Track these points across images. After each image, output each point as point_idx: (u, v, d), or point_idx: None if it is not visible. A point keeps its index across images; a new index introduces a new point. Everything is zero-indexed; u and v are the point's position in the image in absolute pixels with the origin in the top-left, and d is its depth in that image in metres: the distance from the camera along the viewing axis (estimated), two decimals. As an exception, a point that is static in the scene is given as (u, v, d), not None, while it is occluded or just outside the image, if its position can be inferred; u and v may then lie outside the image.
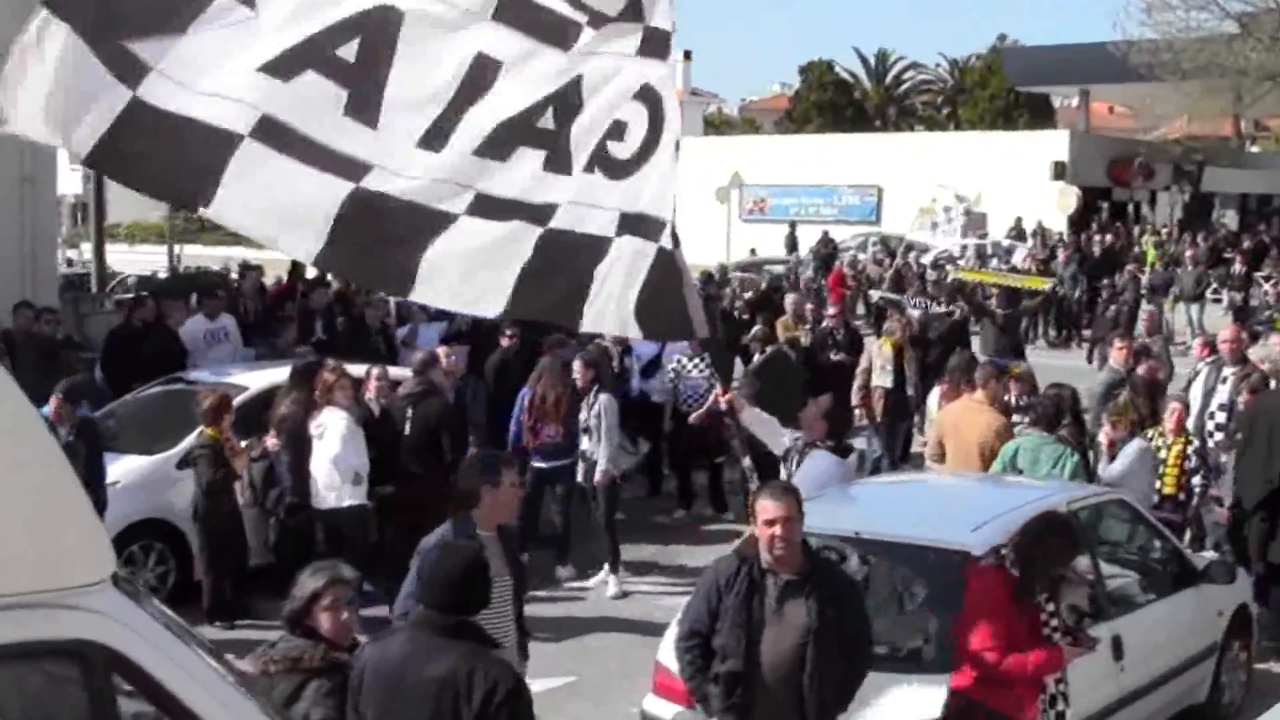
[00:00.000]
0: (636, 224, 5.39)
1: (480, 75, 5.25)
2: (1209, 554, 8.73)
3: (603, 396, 10.58)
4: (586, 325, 5.58)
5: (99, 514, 4.66)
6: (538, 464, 10.73)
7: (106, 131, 4.77)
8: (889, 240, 34.47)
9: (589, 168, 5.39)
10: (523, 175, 5.29)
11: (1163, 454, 9.49)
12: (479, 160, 5.23)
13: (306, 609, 4.68)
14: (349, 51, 5.07)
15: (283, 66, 4.96)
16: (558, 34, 5.37)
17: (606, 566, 10.64)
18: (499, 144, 5.26)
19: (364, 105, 5.06)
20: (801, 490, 7.37)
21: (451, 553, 4.67)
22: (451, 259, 5.17)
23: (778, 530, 5.24)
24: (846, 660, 5.32)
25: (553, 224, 5.28)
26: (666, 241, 5.40)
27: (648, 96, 5.46)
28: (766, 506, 5.30)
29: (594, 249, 5.35)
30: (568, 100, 5.37)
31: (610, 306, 5.40)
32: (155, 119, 4.79)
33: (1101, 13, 71.68)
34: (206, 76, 4.87)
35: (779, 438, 8.15)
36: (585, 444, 10.61)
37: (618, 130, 5.43)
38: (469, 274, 5.22)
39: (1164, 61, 32.38)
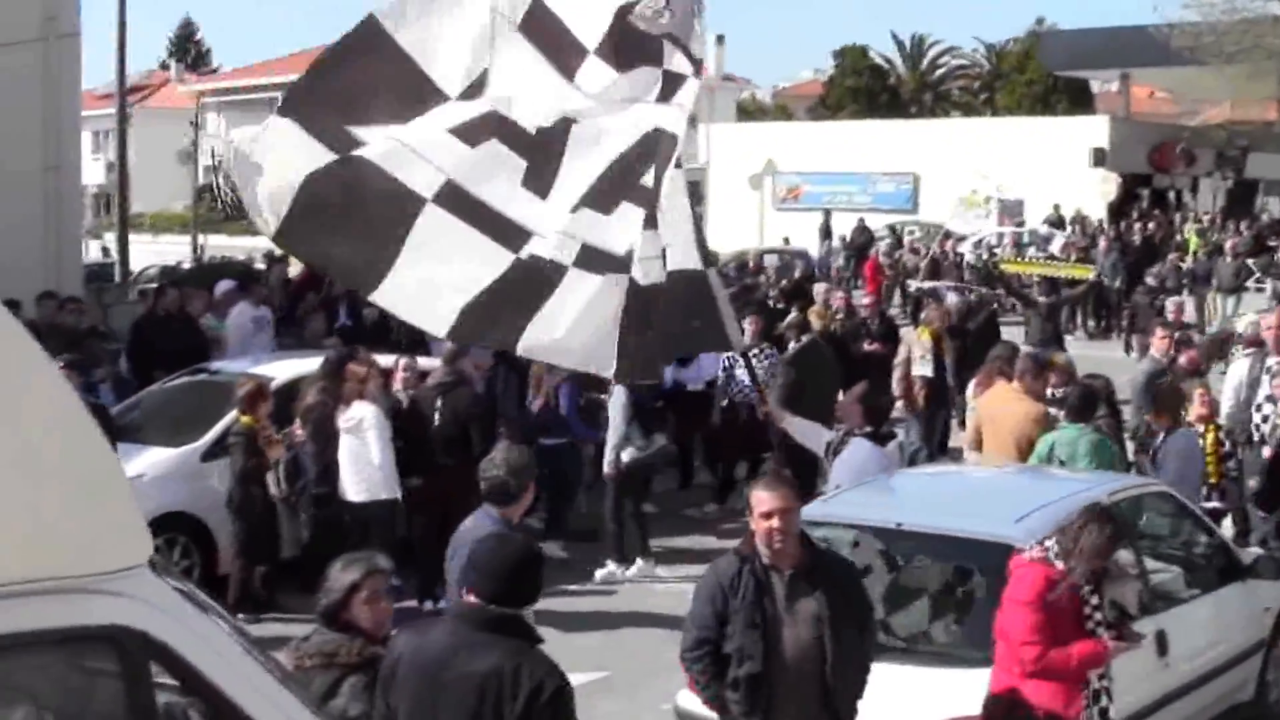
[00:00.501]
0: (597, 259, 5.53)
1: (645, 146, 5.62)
2: (1256, 549, 8.52)
3: (617, 388, 10.51)
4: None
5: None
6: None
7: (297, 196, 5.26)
8: (897, 228, 34.15)
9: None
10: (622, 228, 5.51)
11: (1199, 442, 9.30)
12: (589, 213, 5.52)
13: (344, 601, 4.58)
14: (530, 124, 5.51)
15: (470, 132, 5.41)
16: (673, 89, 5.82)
17: (609, 561, 10.61)
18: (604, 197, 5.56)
19: (540, 176, 5.47)
20: (841, 479, 7.25)
21: (507, 542, 4.55)
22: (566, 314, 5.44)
23: (775, 523, 5.08)
24: (861, 645, 5.24)
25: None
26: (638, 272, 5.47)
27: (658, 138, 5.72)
28: (762, 498, 5.13)
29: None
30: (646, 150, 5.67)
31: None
32: (346, 173, 5.27)
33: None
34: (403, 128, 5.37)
35: (821, 439, 8.09)
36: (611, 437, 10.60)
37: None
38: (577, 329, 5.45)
39: (1206, 44, 31.93)
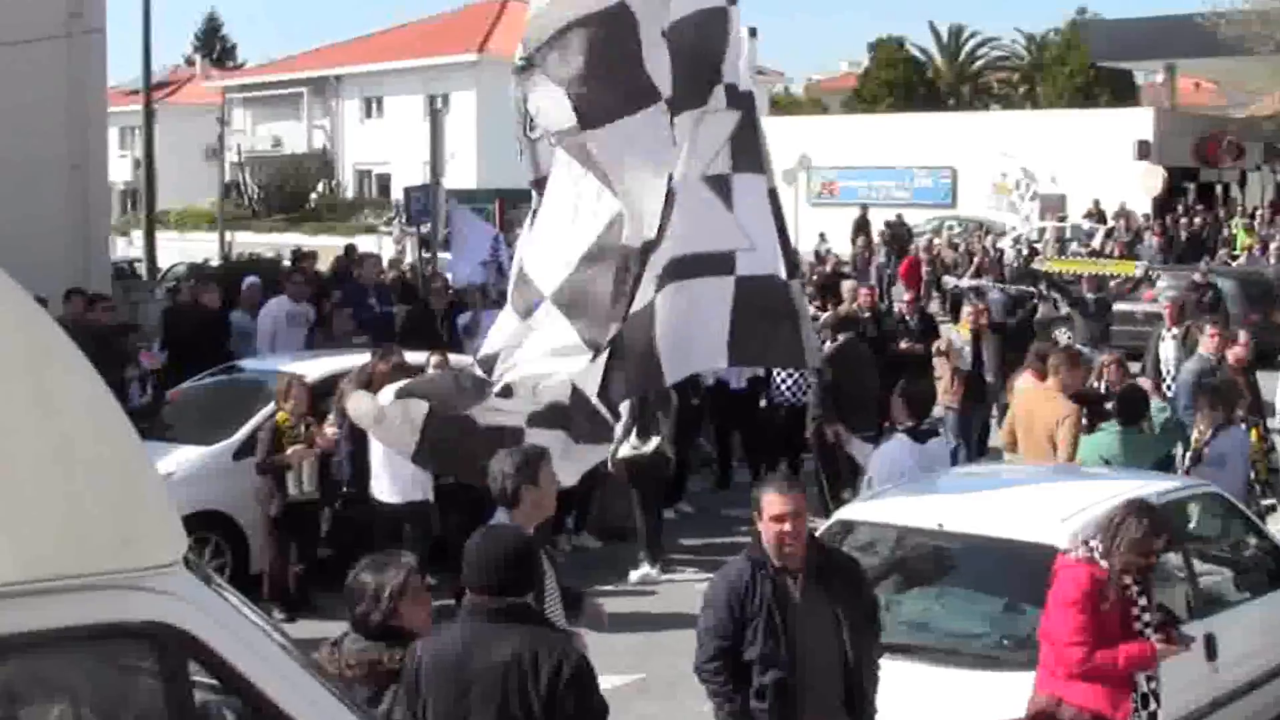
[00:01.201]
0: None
1: None
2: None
3: None
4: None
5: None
6: None
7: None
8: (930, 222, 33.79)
9: None
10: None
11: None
12: None
13: (395, 610, 4.49)
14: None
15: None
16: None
17: (643, 563, 10.57)
18: None
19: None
20: (874, 475, 7.12)
21: (495, 536, 4.60)
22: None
23: (787, 526, 4.99)
24: (874, 642, 5.20)
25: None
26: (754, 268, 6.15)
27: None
28: (773, 501, 5.03)
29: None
30: None
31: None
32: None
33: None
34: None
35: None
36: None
37: None
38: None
39: (1256, 34, 31.42)
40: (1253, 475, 9.15)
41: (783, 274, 6.26)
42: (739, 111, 6.45)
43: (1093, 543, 5.51)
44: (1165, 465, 8.89)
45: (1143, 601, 5.47)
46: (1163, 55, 41.91)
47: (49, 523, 2.85)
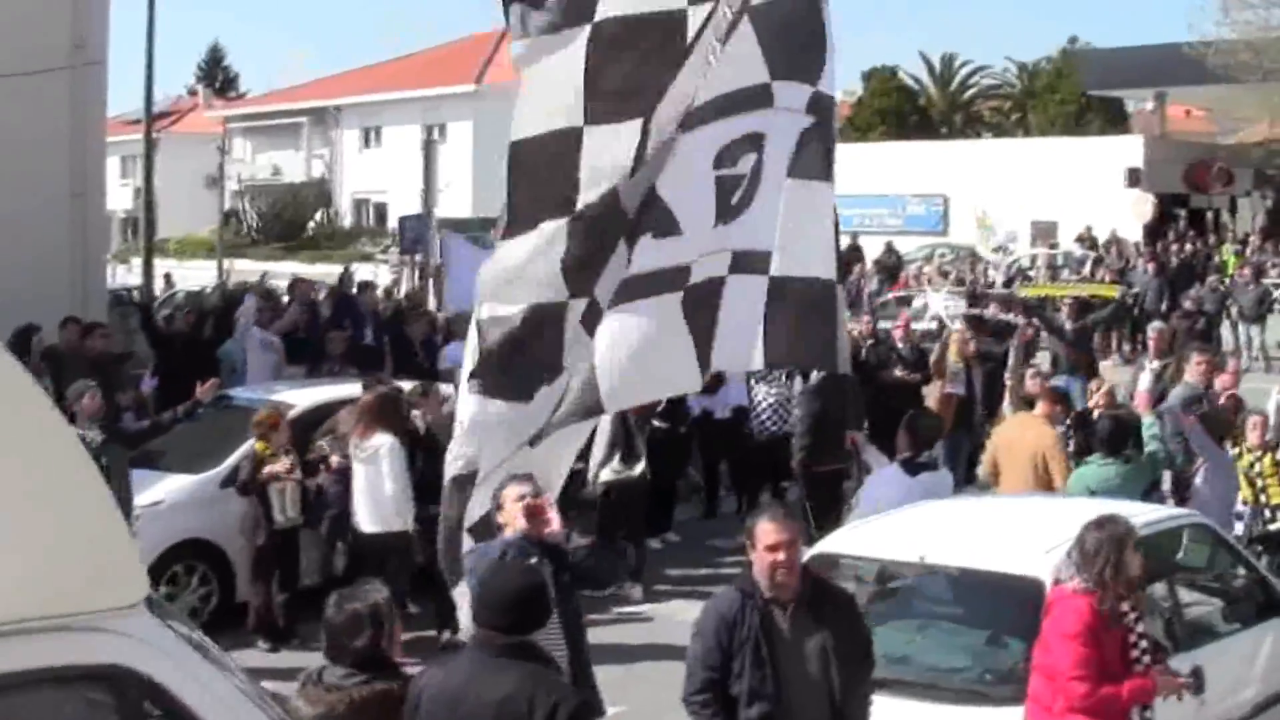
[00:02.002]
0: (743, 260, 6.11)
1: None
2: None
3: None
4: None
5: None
6: None
7: None
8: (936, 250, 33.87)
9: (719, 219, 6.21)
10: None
11: (1256, 467, 9.23)
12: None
13: (376, 640, 4.47)
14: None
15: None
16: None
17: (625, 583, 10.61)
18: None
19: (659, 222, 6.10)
20: (862, 507, 7.11)
21: (506, 572, 4.68)
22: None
23: (781, 556, 4.97)
24: (865, 676, 5.13)
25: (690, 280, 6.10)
26: (776, 270, 6.06)
27: (755, 142, 6.19)
28: (768, 530, 5.00)
29: (713, 291, 6.10)
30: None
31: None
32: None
33: (1176, 12, 70.60)
34: None
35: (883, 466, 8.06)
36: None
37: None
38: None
39: (1243, 62, 31.58)
40: (1262, 500, 9.12)
41: (829, 275, 6.22)
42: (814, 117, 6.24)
43: (1084, 573, 5.42)
44: (1157, 495, 8.88)
45: (1139, 629, 5.42)
46: (1152, 84, 42.10)
47: (9, 565, 2.83)
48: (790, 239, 6.09)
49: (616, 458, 10.71)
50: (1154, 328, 14.26)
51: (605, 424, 10.44)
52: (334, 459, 9.53)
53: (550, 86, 6.17)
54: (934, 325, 14.39)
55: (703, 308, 6.05)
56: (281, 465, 9.33)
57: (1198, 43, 33.09)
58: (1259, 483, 9.15)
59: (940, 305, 19.46)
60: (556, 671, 4.65)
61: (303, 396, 10.75)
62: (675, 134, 6.06)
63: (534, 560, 5.61)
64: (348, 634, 4.46)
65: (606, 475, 10.65)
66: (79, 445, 3.03)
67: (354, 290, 16.82)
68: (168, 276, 30.47)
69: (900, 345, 14.32)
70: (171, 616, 3.38)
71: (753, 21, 6.12)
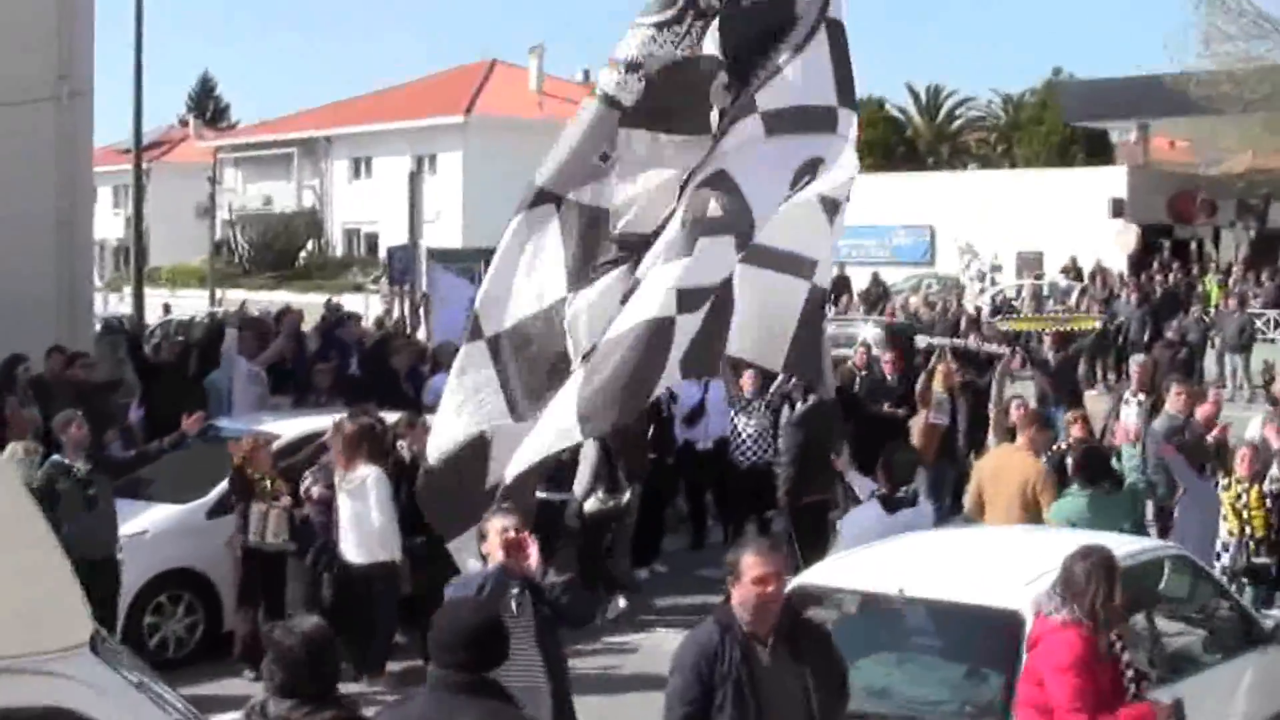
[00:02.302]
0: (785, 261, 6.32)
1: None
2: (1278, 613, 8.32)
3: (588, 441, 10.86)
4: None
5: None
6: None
7: None
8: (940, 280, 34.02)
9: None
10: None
11: (1243, 499, 9.17)
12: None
13: (321, 669, 4.41)
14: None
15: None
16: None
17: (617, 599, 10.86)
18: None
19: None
20: (843, 540, 7.14)
21: (460, 611, 4.57)
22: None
23: (770, 588, 4.94)
24: (841, 711, 5.13)
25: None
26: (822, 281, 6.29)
27: (814, 168, 6.36)
28: (754, 563, 4.97)
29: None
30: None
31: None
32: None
33: (1159, 44, 71.24)
34: None
35: (868, 491, 8.08)
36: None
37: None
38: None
39: (1225, 93, 31.80)
40: (1247, 532, 9.12)
41: (827, 284, 6.55)
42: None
43: (1074, 604, 5.41)
44: (1138, 527, 8.88)
45: (1126, 657, 5.42)
46: (1136, 115, 42.40)
47: None
48: (826, 254, 6.45)
49: (600, 489, 10.75)
50: (1136, 360, 14.27)
51: (590, 452, 10.50)
52: (315, 490, 9.54)
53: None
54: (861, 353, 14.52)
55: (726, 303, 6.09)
56: (271, 501, 9.38)
57: (1179, 74, 33.33)
58: (1244, 514, 9.15)
59: (870, 334, 19.70)
60: (518, 708, 4.58)
61: (289, 427, 10.77)
62: (759, 133, 6.12)
63: (514, 592, 5.63)
64: (293, 665, 4.36)
65: (591, 505, 10.69)
66: (21, 489, 3.06)
67: (341, 321, 16.84)
68: (166, 306, 30.46)
69: (890, 378, 14.20)
70: (116, 657, 3.38)
71: (829, 35, 6.25)
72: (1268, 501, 9.18)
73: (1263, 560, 8.86)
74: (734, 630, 4.99)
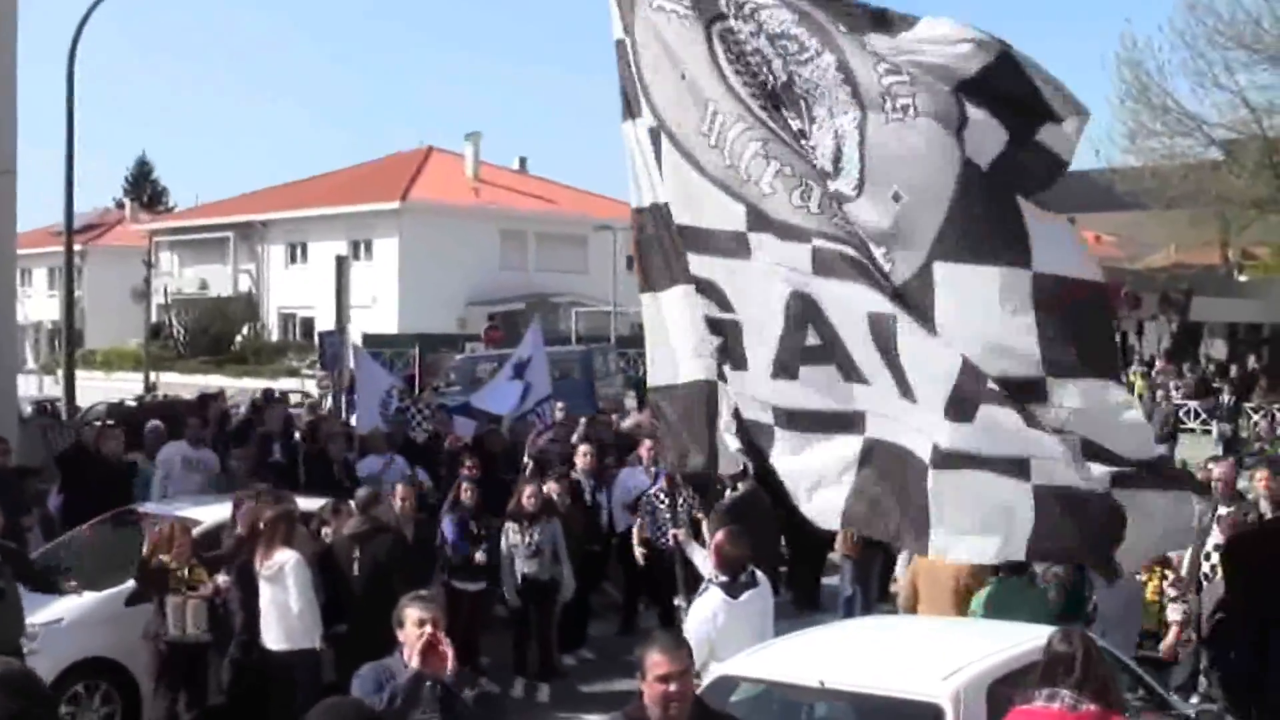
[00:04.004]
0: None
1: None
2: (1196, 702, 8.40)
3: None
4: None
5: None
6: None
7: None
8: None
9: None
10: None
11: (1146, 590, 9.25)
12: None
13: None
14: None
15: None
16: None
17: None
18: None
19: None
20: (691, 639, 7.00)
21: (333, 712, 4.28)
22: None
23: (673, 687, 4.85)
24: None
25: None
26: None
27: None
28: (658, 661, 4.88)
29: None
30: None
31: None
32: None
33: (1086, 140, 72.89)
34: None
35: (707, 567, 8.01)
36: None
37: None
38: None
39: (1149, 189, 32.64)
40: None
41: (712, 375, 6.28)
42: None
43: (1062, 691, 5.35)
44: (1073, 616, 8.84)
45: None
46: (1063, 209, 43.04)
47: None
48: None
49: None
50: None
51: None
52: (219, 578, 9.41)
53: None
54: None
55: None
56: (177, 579, 9.22)
57: (1106, 170, 34.19)
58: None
59: None
60: None
61: (209, 513, 10.63)
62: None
63: (424, 710, 5.45)
64: None
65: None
66: None
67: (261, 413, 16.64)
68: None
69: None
70: None
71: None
72: (1161, 598, 9.24)
73: (1147, 653, 8.88)
74: None
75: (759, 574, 7.80)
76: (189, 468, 12.97)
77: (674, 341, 6.41)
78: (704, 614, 7.42)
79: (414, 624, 5.60)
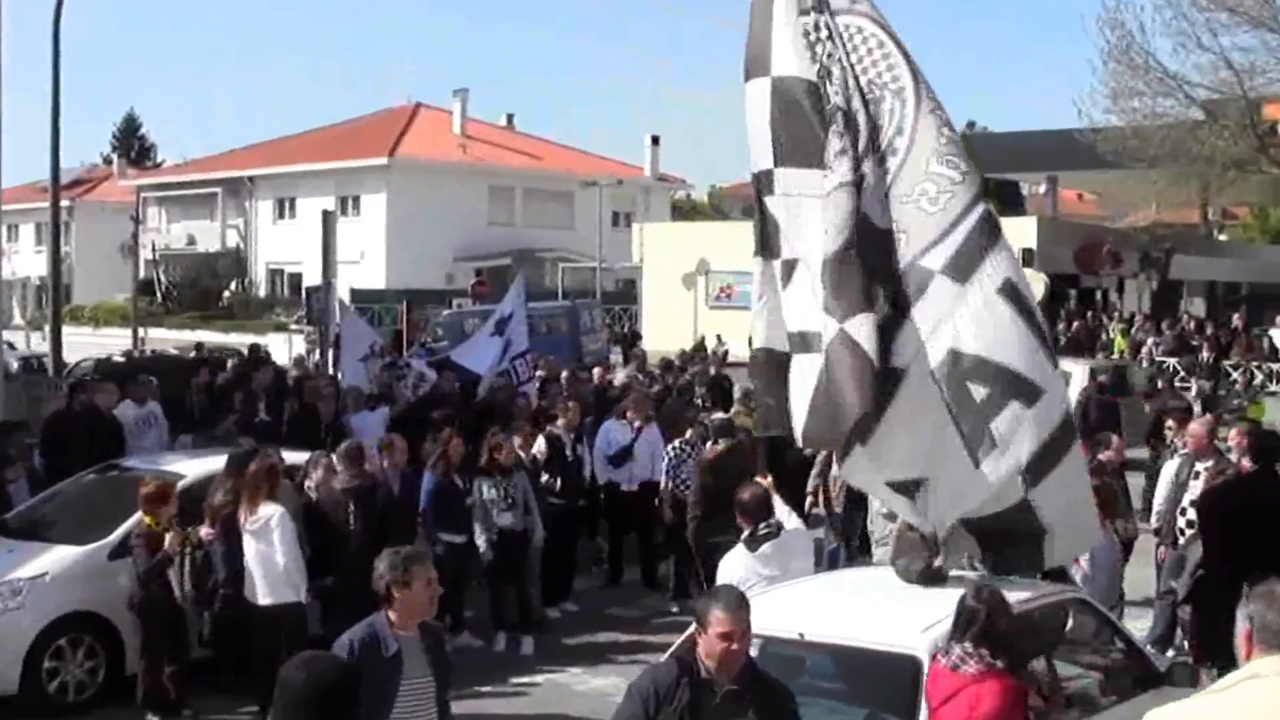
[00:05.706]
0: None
1: None
2: (1171, 655, 8.50)
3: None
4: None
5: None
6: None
7: None
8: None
9: None
10: None
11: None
12: None
13: None
14: None
15: None
16: None
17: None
18: None
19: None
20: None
21: (311, 668, 4.11)
22: None
23: (734, 645, 5.02)
24: None
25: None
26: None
27: None
28: (722, 619, 5.03)
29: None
30: None
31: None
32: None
33: (1070, 99, 73.30)
34: None
35: None
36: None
37: None
38: None
39: (1131, 149, 32.61)
40: None
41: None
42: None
43: (983, 650, 5.42)
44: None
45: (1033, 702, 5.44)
46: (1046, 168, 43.39)
47: None
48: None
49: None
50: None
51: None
52: (203, 530, 9.40)
53: None
54: None
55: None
56: (173, 544, 9.21)
57: (1088, 129, 34.16)
58: None
59: None
60: None
61: (193, 467, 10.62)
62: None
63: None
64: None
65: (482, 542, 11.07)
66: None
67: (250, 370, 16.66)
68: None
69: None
70: None
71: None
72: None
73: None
74: (691, 673, 5.05)
75: (787, 522, 7.91)
76: (142, 425, 12.95)
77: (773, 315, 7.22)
78: (727, 568, 7.59)
79: (423, 584, 5.63)
